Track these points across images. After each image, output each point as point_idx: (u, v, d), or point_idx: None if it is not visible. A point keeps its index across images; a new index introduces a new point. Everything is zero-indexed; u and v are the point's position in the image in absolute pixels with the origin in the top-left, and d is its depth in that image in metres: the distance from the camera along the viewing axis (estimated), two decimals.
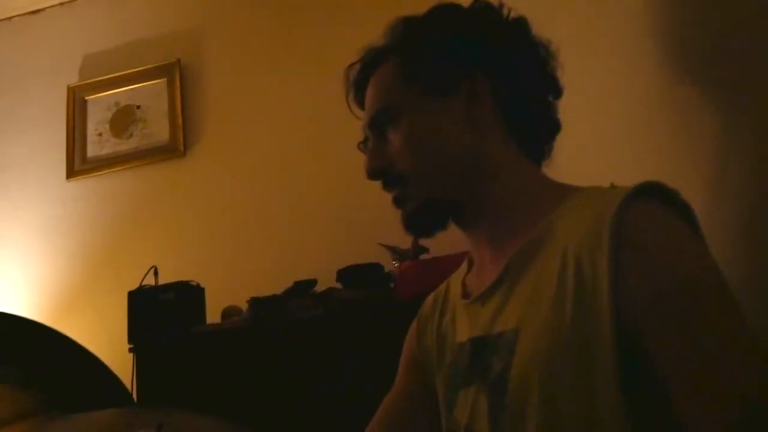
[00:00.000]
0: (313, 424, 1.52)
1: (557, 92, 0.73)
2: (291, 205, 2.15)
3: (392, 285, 1.68)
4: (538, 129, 0.73)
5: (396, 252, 1.69)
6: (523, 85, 0.71)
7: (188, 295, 1.72)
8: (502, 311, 0.65)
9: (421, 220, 0.73)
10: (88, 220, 2.29)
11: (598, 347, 0.54)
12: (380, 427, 0.82)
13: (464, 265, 0.81)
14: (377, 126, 0.75)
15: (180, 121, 2.33)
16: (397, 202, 0.74)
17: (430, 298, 0.86)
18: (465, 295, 0.75)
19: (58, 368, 1.61)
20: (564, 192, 0.67)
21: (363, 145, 0.81)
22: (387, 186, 0.74)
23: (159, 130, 2.36)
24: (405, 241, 1.71)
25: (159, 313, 1.69)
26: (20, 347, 1.63)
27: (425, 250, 1.68)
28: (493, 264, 0.70)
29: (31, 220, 2.36)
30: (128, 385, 1.68)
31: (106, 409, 1.29)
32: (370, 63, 0.77)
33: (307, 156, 2.20)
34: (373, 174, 0.74)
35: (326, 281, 1.68)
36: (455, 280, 0.80)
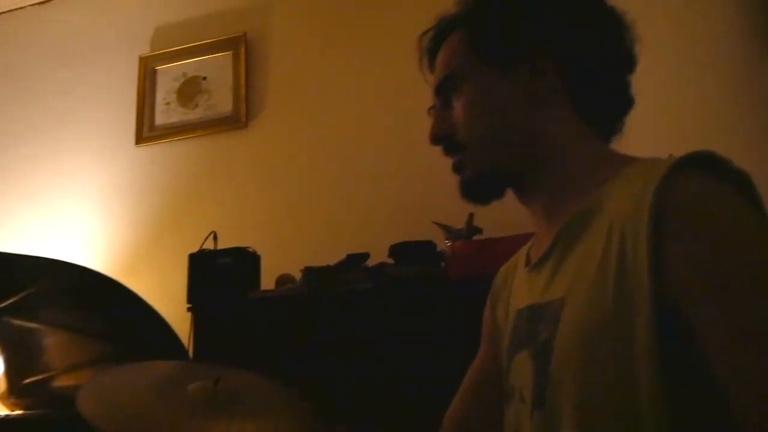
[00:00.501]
0: (355, 394, 1.55)
1: (631, 66, 0.72)
2: (347, 179, 2.18)
3: (443, 264, 1.69)
4: (606, 105, 0.72)
5: (449, 231, 1.69)
6: (592, 61, 0.70)
7: (245, 260, 1.79)
8: (552, 281, 0.66)
9: (477, 187, 0.74)
10: (154, 185, 2.40)
11: (637, 322, 0.54)
12: (464, 396, 0.85)
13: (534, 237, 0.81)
14: (443, 92, 0.76)
15: (243, 93, 2.39)
16: (456, 168, 0.75)
17: (502, 270, 0.87)
18: (527, 263, 0.76)
19: (126, 322, 1.71)
20: (620, 164, 0.67)
21: (431, 110, 0.82)
22: (447, 152, 0.76)
23: (223, 102, 2.43)
24: (459, 221, 1.71)
25: (217, 276, 1.76)
26: (97, 301, 1.74)
27: (479, 230, 1.68)
28: (548, 234, 0.70)
29: (101, 184, 2.48)
30: (185, 343, 1.77)
31: (167, 360, 1.37)
32: (440, 31, 0.78)
33: (366, 131, 2.22)
34: (435, 139, 0.76)
35: (378, 256, 1.71)
36: (523, 251, 0.81)
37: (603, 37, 0.71)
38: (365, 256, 1.72)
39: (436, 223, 1.74)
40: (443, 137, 0.75)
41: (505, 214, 1.83)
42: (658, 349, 0.52)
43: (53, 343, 2.02)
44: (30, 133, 2.65)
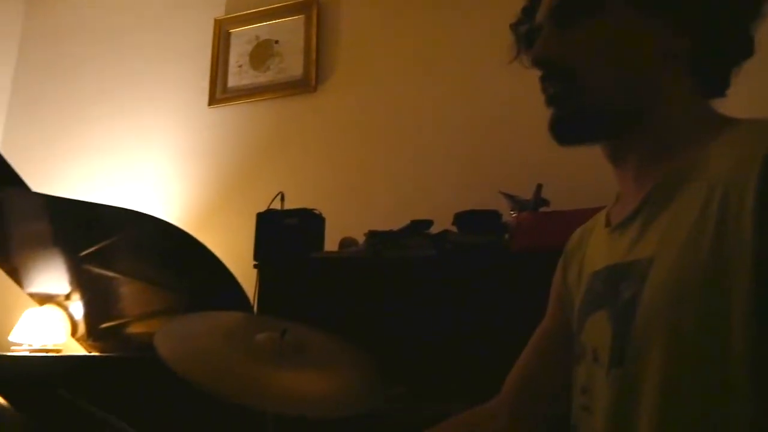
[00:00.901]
0: (411, 359, 1.57)
1: (757, 17, 0.67)
2: (414, 146, 2.18)
3: (506, 236, 1.66)
4: (725, 64, 0.68)
5: (515, 201, 1.67)
6: (724, 18, 0.66)
7: (310, 221, 1.82)
8: (639, 240, 0.64)
9: (575, 124, 0.69)
10: (225, 146, 2.47)
11: (735, 288, 0.52)
12: (528, 356, 0.84)
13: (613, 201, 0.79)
14: (566, 12, 0.70)
15: (314, 57, 2.41)
16: (555, 99, 0.70)
17: (577, 232, 0.85)
18: (607, 224, 0.74)
19: (198, 276, 1.78)
20: (722, 124, 0.63)
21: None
22: (549, 78, 0.71)
23: (293, 65, 2.45)
24: (526, 192, 1.68)
25: (282, 235, 1.81)
26: (173, 254, 1.82)
27: (546, 202, 1.65)
28: (636, 194, 0.68)
29: (172, 143, 2.58)
30: (250, 299, 1.83)
31: (236, 312, 1.42)
32: None
33: (434, 98, 2.20)
34: (541, 60, 0.70)
35: (442, 223, 1.70)
36: (601, 214, 0.78)
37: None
38: (429, 222, 1.71)
39: (502, 192, 1.71)
40: (550, 60, 0.70)
41: (574, 187, 1.80)
42: (755, 319, 0.50)
43: (128, 292, 2.14)
44: (110, 92, 2.77)
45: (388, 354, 1.57)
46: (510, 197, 1.69)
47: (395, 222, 1.74)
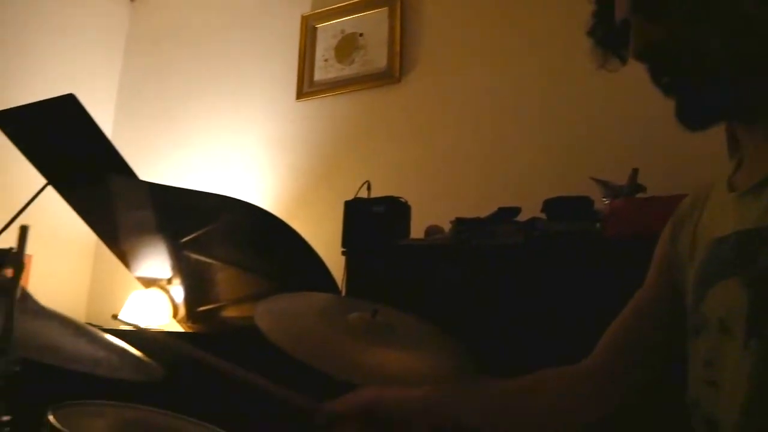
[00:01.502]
0: (498, 348, 1.55)
1: None
2: (500, 133, 2.15)
3: (598, 225, 1.61)
4: None
5: (609, 187, 1.61)
6: None
7: (396, 209, 1.84)
8: None
9: (699, 107, 0.65)
10: (313, 137, 2.54)
11: None
12: (625, 317, 0.83)
13: (730, 169, 0.74)
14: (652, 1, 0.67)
15: (398, 48, 2.43)
16: (671, 87, 0.67)
17: (687, 200, 0.81)
18: (731, 189, 0.69)
19: (290, 263, 1.85)
20: None
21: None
22: (658, 69, 0.67)
23: (378, 57, 2.48)
24: (619, 177, 1.62)
25: (370, 223, 1.84)
26: (267, 241, 1.89)
27: (642, 188, 1.58)
28: None
29: (263, 136, 2.69)
30: (339, 285, 1.88)
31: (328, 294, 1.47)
32: None
33: (519, 86, 2.17)
34: (644, 53, 0.66)
35: (531, 210, 1.67)
36: (719, 181, 0.74)
37: None
38: (517, 210, 1.69)
39: (594, 179, 1.66)
40: (654, 51, 0.66)
41: (672, 173, 1.72)
42: None
43: (224, 277, 2.25)
44: (206, 90, 2.92)
45: (474, 342, 1.57)
46: (602, 183, 1.63)
47: (482, 210, 1.73)
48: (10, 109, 1.78)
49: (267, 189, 2.59)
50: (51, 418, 0.76)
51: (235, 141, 2.75)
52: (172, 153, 2.91)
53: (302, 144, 2.56)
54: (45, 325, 0.59)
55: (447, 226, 1.79)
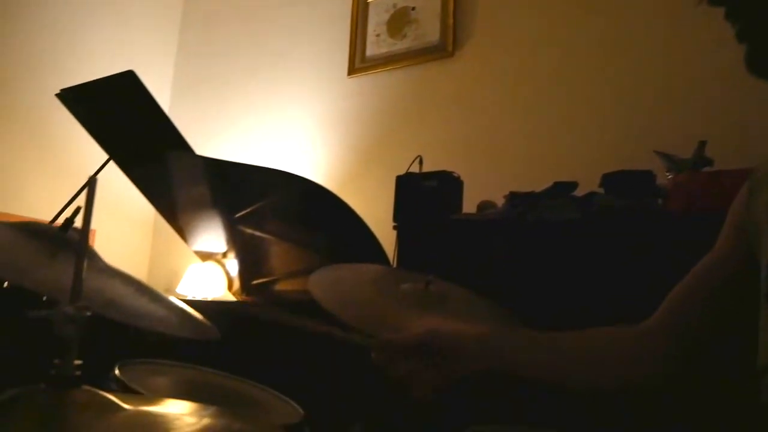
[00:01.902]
0: (552, 324, 1.52)
1: None
2: (557, 107, 2.09)
3: (660, 201, 1.55)
4: None
5: (673, 161, 1.54)
6: None
7: (448, 184, 1.82)
8: None
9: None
10: (364, 113, 2.54)
11: None
12: (692, 277, 0.81)
13: None
14: None
15: (450, 22, 2.38)
16: (743, 34, 0.63)
17: (764, 165, 0.77)
18: None
19: (343, 238, 1.86)
20: None
21: None
22: (731, 14, 0.63)
23: (430, 31, 2.45)
24: (684, 151, 1.55)
25: (421, 198, 1.83)
26: (320, 216, 1.90)
27: (709, 161, 1.50)
28: None
29: (315, 112, 2.70)
30: (390, 261, 1.87)
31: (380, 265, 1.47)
32: None
33: (576, 57, 2.09)
34: None
35: (588, 185, 1.62)
36: None
37: None
38: (574, 184, 1.64)
39: (657, 152, 1.59)
40: None
41: (741, 145, 1.63)
42: None
43: (277, 252, 2.28)
44: (259, 68, 2.96)
45: (528, 318, 1.54)
46: (666, 156, 1.56)
47: (536, 184, 1.69)
48: (73, 86, 1.85)
49: (319, 165, 2.61)
50: (117, 372, 0.79)
51: (288, 118, 2.78)
52: (226, 131, 2.97)
53: (354, 120, 2.56)
54: (110, 282, 0.61)
55: (500, 202, 1.76)
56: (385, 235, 1.86)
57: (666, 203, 1.52)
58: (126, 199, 2.55)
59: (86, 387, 0.45)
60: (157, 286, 2.72)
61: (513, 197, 1.65)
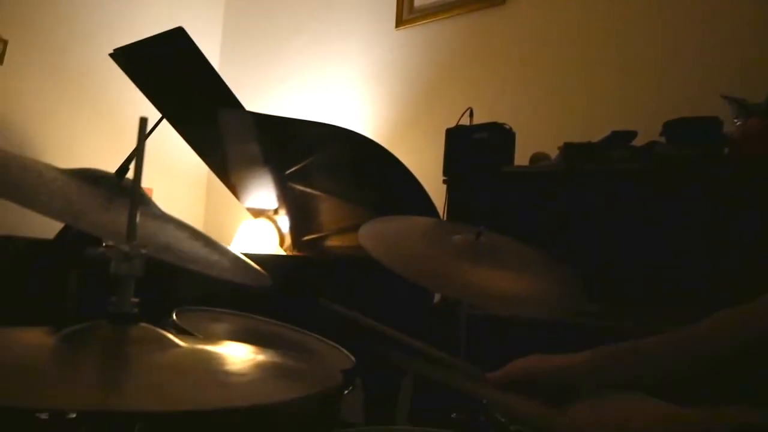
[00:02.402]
0: (609, 276, 1.48)
1: None
2: (613, 53, 1.98)
3: (726, 149, 1.46)
4: None
5: (742, 106, 1.44)
6: None
7: (500, 136, 1.77)
8: None
9: None
10: (412, 65, 2.48)
11: None
12: None
13: None
14: None
15: None
16: None
17: None
18: None
19: (392, 193, 1.84)
20: None
21: None
22: None
23: None
24: (755, 94, 1.45)
25: (472, 150, 1.79)
26: (369, 171, 1.89)
27: None
28: None
29: (360, 66, 2.66)
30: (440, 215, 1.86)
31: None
32: None
33: (633, 4, 1.97)
34: None
35: (649, 134, 1.54)
36: None
37: None
38: (633, 133, 1.57)
39: (725, 96, 1.49)
40: None
41: None
42: None
43: (327, 208, 2.30)
44: (306, 24, 2.92)
45: (585, 270, 1.51)
46: (735, 101, 1.46)
47: (592, 135, 1.62)
48: (125, 46, 1.88)
49: (367, 120, 2.58)
50: (175, 317, 0.82)
51: (336, 73, 2.76)
52: (274, 87, 2.98)
53: (402, 73, 2.51)
54: (164, 227, 0.62)
55: (554, 153, 1.70)
56: (435, 189, 1.84)
57: (733, 151, 1.43)
58: (180, 156, 2.61)
59: (144, 324, 0.46)
60: None
61: (568, 148, 1.59)
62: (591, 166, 1.55)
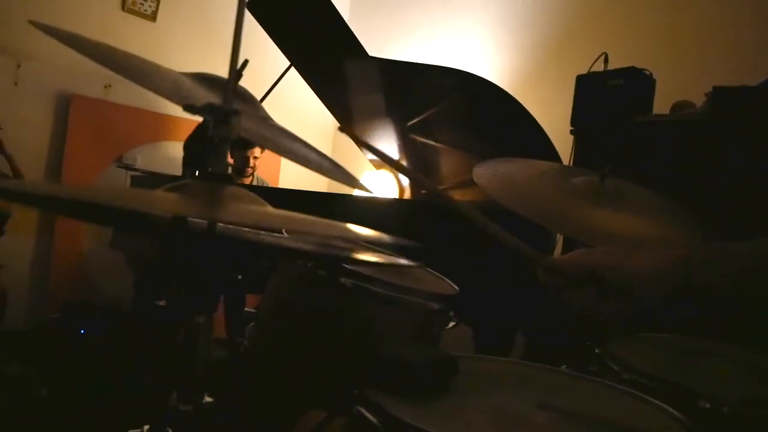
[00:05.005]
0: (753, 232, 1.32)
1: None
2: None
3: None
4: None
5: None
6: None
7: (637, 82, 1.63)
8: None
9: None
10: (542, 11, 2.35)
11: None
12: None
13: None
14: None
15: None
16: None
17: None
18: None
19: (516, 144, 1.78)
20: None
21: None
22: None
23: None
24: None
25: (604, 98, 1.67)
26: (492, 121, 1.83)
27: None
28: None
29: (490, 13, 2.56)
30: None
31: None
32: None
33: None
34: None
35: None
36: None
37: None
38: None
39: None
40: None
41: None
42: None
43: (447, 161, 2.28)
44: None
45: (723, 225, 1.36)
46: None
47: (746, 79, 1.44)
48: None
49: (494, 69, 2.50)
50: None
51: (464, 20, 2.69)
52: (403, 37, 2.97)
53: (532, 18, 2.39)
54: (268, 129, 0.65)
55: (699, 101, 1.54)
56: (562, 140, 1.75)
57: None
58: (307, 105, 2.70)
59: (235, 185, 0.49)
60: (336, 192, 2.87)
61: (717, 94, 1.42)
62: (742, 113, 1.38)
